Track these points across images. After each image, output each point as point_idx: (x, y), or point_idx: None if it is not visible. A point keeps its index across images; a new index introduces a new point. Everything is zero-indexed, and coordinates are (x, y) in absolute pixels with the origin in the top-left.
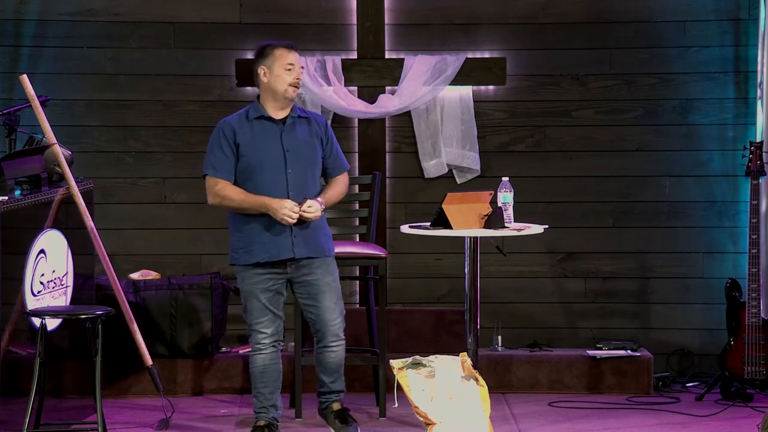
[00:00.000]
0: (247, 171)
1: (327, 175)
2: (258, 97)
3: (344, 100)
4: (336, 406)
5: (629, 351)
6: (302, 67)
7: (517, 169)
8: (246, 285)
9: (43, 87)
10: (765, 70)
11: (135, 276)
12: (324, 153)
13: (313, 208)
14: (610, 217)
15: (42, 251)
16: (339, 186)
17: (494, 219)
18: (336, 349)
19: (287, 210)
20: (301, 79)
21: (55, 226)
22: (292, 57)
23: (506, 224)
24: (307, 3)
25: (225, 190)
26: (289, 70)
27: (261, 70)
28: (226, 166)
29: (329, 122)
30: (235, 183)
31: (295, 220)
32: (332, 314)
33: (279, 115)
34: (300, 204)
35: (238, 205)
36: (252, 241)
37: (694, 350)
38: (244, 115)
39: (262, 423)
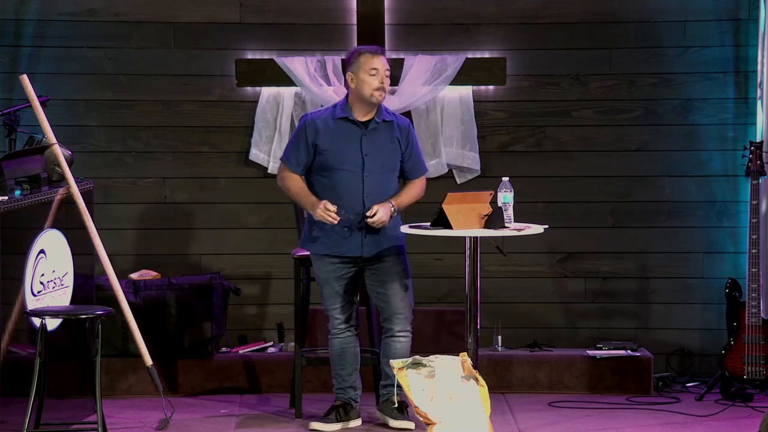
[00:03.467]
0: (326, 169)
1: (404, 178)
2: (347, 96)
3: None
4: (396, 398)
5: (629, 351)
6: (388, 70)
7: (517, 169)
8: (321, 273)
9: (43, 87)
10: (765, 70)
11: (135, 276)
12: (403, 156)
13: (378, 215)
14: (610, 217)
15: (42, 251)
16: (415, 189)
17: (494, 219)
18: (402, 340)
19: (321, 212)
20: (386, 83)
21: (55, 226)
22: (376, 62)
23: (506, 224)
24: (307, 3)
25: (287, 180)
26: (373, 75)
27: (348, 77)
28: (299, 161)
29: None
30: (316, 178)
31: (336, 221)
32: (401, 302)
33: (363, 117)
34: (366, 212)
35: (292, 196)
36: (322, 231)
37: (694, 350)
38: (330, 113)
39: (338, 403)
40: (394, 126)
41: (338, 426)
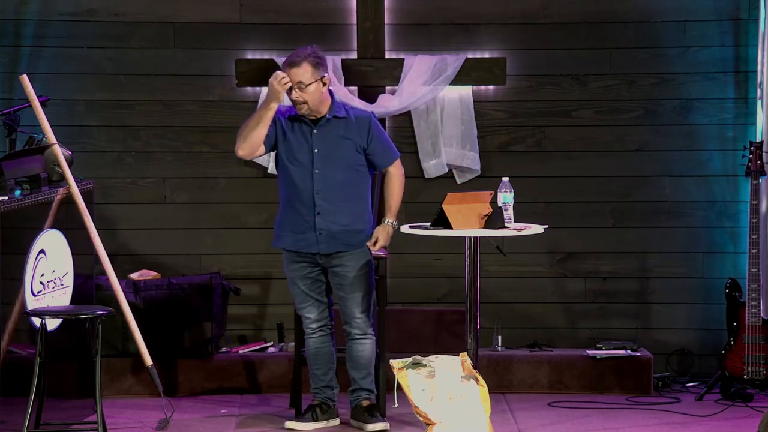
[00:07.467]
0: (282, 165)
1: (376, 169)
2: None
3: (344, 100)
4: (365, 402)
5: (629, 351)
6: (301, 82)
7: (517, 169)
8: (288, 271)
9: (43, 87)
10: (765, 70)
11: (135, 276)
12: (367, 149)
13: (379, 242)
14: (610, 217)
15: (42, 251)
16: (396, 186)
17: (494, 219)
18: (364, 342)
19: (275, 84)
20: (302, 96)
21: (55, 226)
22: (289, 76)
23: (506, 224)
24: (307, 3)
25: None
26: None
27: None
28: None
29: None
30: (278, 173)
31: (288, 83)
32: (357, 308)
33: (313, 116)
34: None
35: (253, 121)
36: (284, 227)
37: (694, 350)
38: (288, 110)
39: (315, 402)
40: (350, 120)
41: (314, 425)
